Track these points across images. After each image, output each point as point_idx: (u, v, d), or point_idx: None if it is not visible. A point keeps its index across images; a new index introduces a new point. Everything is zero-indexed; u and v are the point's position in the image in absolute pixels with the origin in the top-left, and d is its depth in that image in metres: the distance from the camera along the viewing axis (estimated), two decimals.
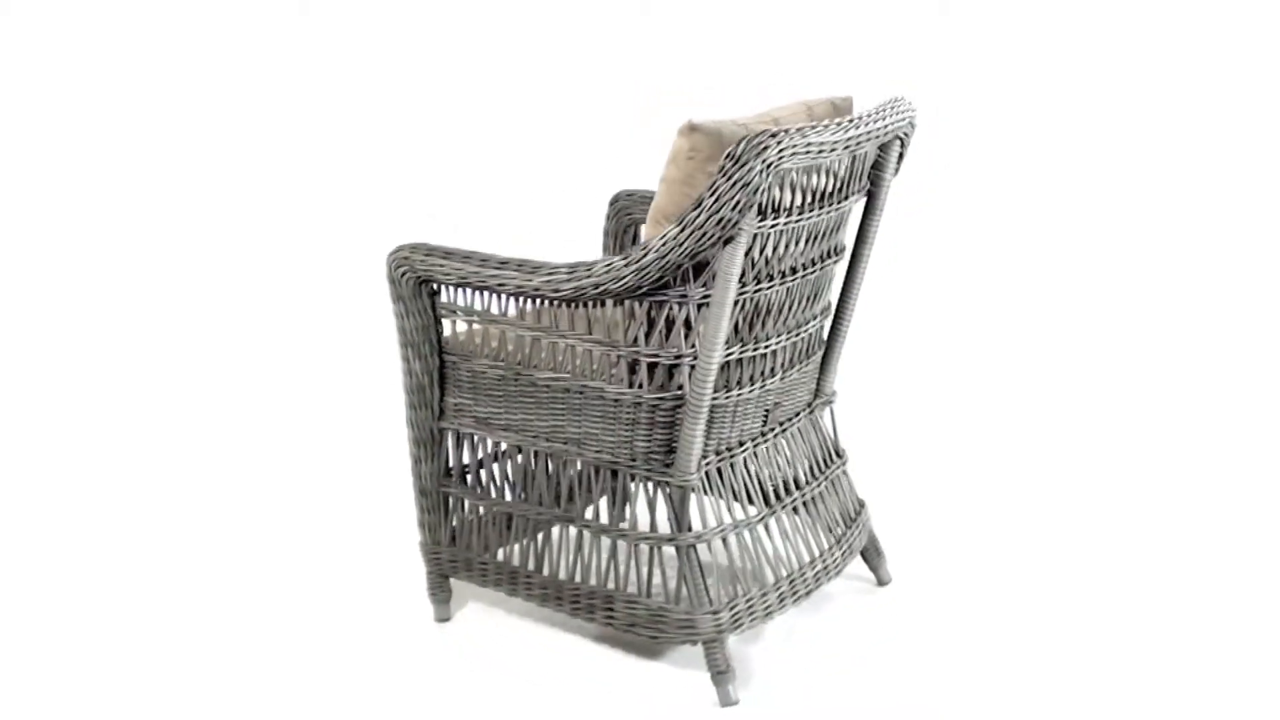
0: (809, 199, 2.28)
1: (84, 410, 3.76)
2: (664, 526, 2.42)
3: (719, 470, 2.37)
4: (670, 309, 2.23)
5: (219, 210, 4.56)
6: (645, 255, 2.19)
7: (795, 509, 2.51)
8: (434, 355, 2.49)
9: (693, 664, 2.42)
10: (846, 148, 2.24)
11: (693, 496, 2.36)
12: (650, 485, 2.33)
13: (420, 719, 2.29)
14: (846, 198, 2.40)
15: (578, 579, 2.42)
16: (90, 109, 4.54)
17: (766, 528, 2.47)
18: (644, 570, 2.36)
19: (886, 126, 2.35)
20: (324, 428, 3.65)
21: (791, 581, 2.44)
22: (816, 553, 2.58)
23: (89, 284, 4.39)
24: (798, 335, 2.43)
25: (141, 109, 4.55)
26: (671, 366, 2.26)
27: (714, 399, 2.29)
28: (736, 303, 2.23)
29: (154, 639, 2.56)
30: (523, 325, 2.37)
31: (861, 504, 2.70)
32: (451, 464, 2.55)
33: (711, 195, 2.11)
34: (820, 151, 2.17)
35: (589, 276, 2.25)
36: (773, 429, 2.48)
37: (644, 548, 2.37)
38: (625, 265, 2.21)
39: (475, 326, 2.48)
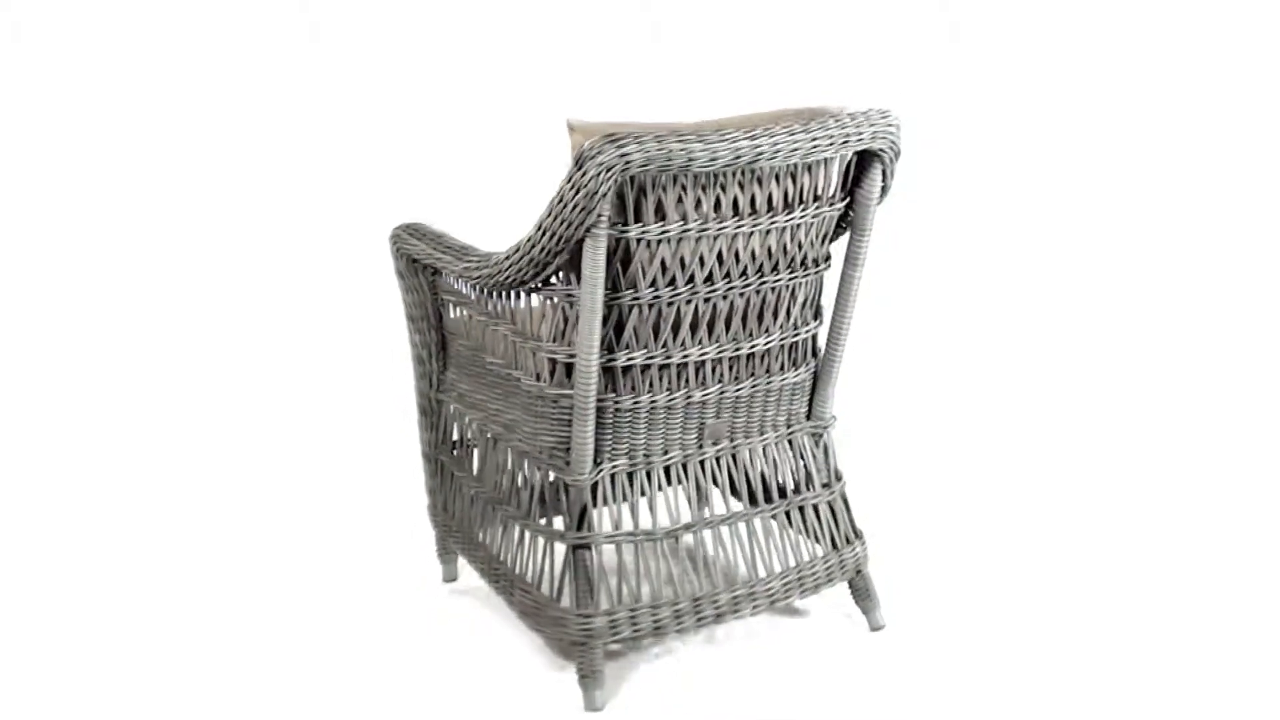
0: (726, 208, 2.19)
1: (93, 397, 3.83)
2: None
3: (630, 476, 2.34)
4: (564, 306, 2.24)
5: (239, 192, 4.46)
6: (514, 253, 2.22)
7: (730, 529, 2.42)
8: (431, 330, 2.64)
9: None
10: (739, 157, 2.13)
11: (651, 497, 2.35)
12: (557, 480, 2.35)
13: (422, 674, 2.42)
14: (793, 211, 2.27)
15: (503, 558, 2.49)
16: (89, 107, 4.45)
17: (676, 543, 2.40)
18: (540, 561, 2.38)
19: (814, 142, 2.19)
20: (357, 392, 3.78)
21: (697, 603, 2.36)
22: (741, 579, 2.45)
23: (91, 279, 4.33)
24: (742, 349, 2.34)
25: (141, 107, 4.45)
26: (568, 364, 2.27)
27: (619, 402, 2.28)
28: (636, 306, 2.21)
29: (167, 612, 2.69)
30: (479, 308, 2.47)
31: (849, 540, 2.52)
32: (444, 435, 2.69)
33: (557, 198, 2.11)
34: (691, 159, 2.09)
35: (487, 269, 2.31)
36: (718, 443, 2.40)
37: (540, 540, 2.39)
38: (504, 261, 2.25)
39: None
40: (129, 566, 2.87)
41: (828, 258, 2.40)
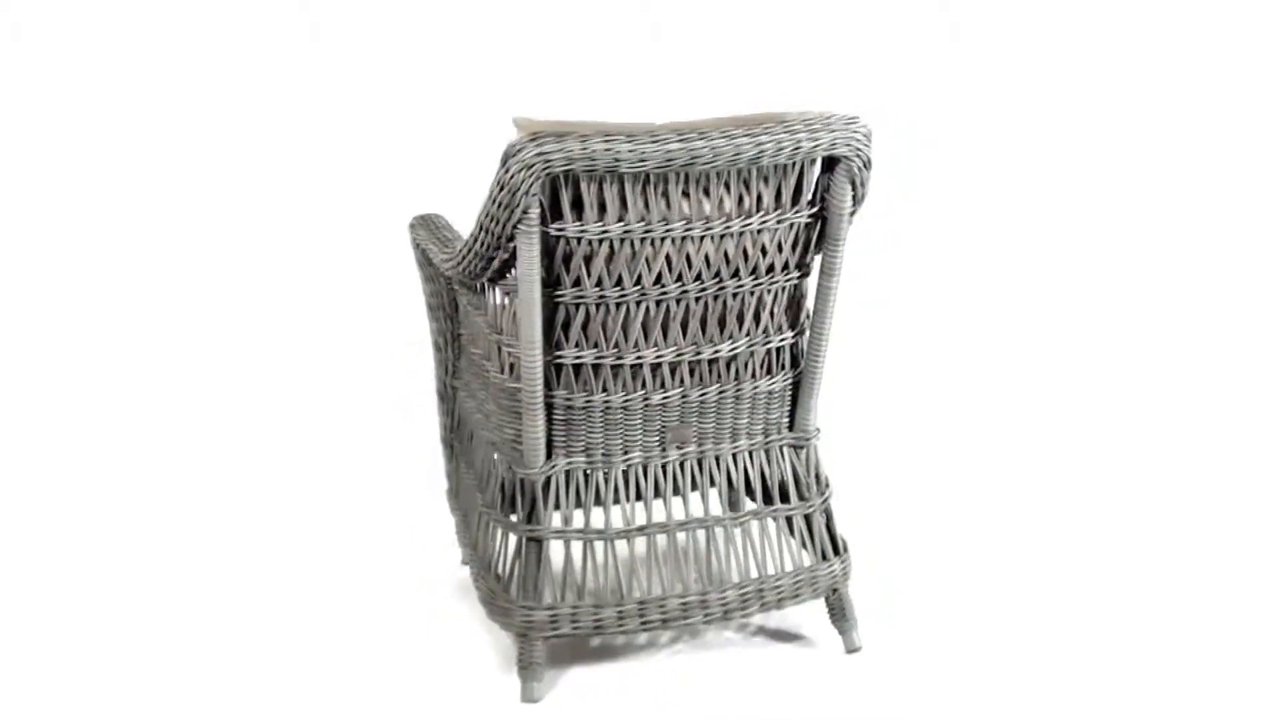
0: (675, 210, 2.18)
1: (95, 396, 3.78)
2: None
3: (588, 473, 2.35)
4: (514, 300, 2.28)
5: (243, 190, 4.39)
6: (465, 248, 2.27)
7: (689, 535, 2.40)
8: (447, 319, 2.71)
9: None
10: (670, 160, 2.11)
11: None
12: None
13: (431, 653, 2.50)
14: (751, 218, 2.23)
15: (477, 545, 2.54)
16: (89, 107, 4.38)
17: (629, 543, 2.39)
18: (498, 550, 2.41)
19: (758, 148, 2.14)
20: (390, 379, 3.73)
21: (643, 607, 2.35)
22: (694, 588, 2.42)
23: (93, 279, 4.26)
24: (703, 354, 2.31)
25: (141, 107, 4.38)
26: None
27: (571, 400, 2.30)
28: (582, 305, 2.22)
29: (183, 601, 2.71)
30: (468, 299, 2.53)
31: (825, 556, 2.45)
32: (457, 421, 2.76)
33: (489, 195, 2.15)
34: (617, 160, 2.09)
35: (449, 262, 2.37)
36: (683, 447, 2.38)
37: (499, 530, 2.41)
38: (458, 255, 2.30)
39: None
40: (141, 556, 2.88)
41: (802, 266, 2.34)
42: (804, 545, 2.46)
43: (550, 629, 2.32)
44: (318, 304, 4.16)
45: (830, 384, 3.35)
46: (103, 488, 3.20)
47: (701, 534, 2.42)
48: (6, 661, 2.46)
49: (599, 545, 2.39)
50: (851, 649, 2.48)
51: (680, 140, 2.12)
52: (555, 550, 2.46)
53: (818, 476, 2.47)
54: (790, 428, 2.45)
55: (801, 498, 2.45)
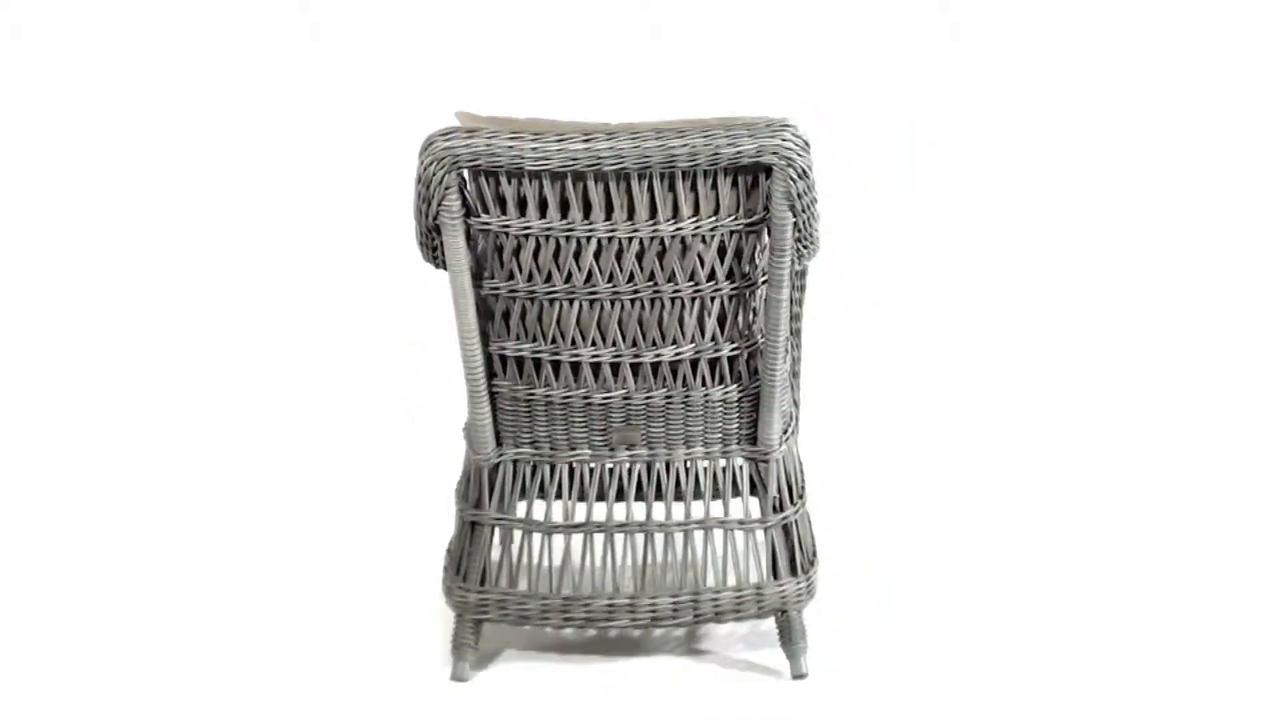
0: (598, 210, 2.19)
1: (97, 395, 3.72)
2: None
3: (534, 465, 2.40)
4: None
5: (242, 191, 4.35)
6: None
7: (627, 538, 2.39)
8: None
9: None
10: (573, 161, 2.12)
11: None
12: None
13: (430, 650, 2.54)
14: (681, 221, 2.19)
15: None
16: (89, 107, 4.37)
17: (567, 540, 2.41)
18: (456, 532, 2.46)
19: (669, 153, 2.11)
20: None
21: (567, 603, 2.37)
22: (626, 590, 2.39)
23: (92, 278, 4.18)
24: (644, 357, 2.30)
25: (141, 107, 4.38)
26: None
27: (515, 391, 2.35)
28: (514, 299, 2.28)
29: (196, 587, 2.75)
30: None
31: (776, 574, 2.38)
32: None
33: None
34: (520, 158, 2.12)
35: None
36: (631, 448, 2.37)
37: (454, 510, 2.46)
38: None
39: None
40: (140, 554, 2.88)
41: (747, 275, 2.28)
42: (754, 562, 2.40)
43: (479, 612, 2.38)
44: (318, 304, 4.13)
45: (830, 385, 3.26)
46: (103, 488, 3.17)
47: (641, 538, 2.40)
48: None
49: (536, 537, 2.42)
50: (797, 675, 2.39)
51: (585, 142, 2.12)
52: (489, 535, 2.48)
53: (785, 491, 2.39)
54: (753, 441, 2.38)
55: (759, 515, 2.38)
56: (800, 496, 2.43)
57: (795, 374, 2.83)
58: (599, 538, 2.43)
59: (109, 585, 2.73)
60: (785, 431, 2.42)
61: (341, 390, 3.65)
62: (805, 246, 2.27)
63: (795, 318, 2.78)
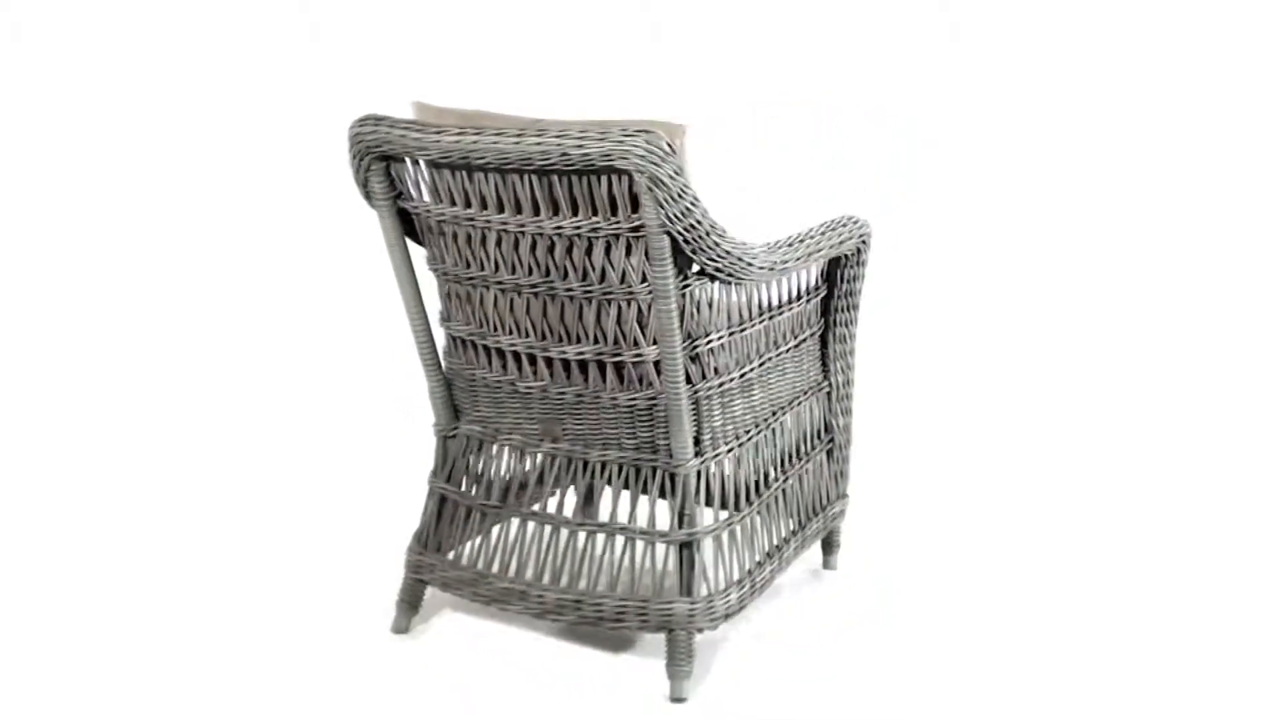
0: (490, 202, 2.27)
1: (97, 395, 3.78)
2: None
3: (481, 443, 2.52)
4: None
5: (241, 191, 4.33)
6: None
7: (536, 526, 2.43)
8: None
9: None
10: (447, 154, 2.21)
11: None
12: None
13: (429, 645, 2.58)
14: (561, 220, 2.21)
15: None
16: (89, 107, 4.37)
17: (489, 518, 2.48)
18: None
19: (523, 152, 2.14)
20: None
21: (476, 579, 2.46)
22: (527, 577, 2.42)
23: (91, 278, 4.25)
24: (550, 352, 2.34)
25: (141, 107, 4.36)
26: None
27: (464, 370, 2.49)
28: (447, 280, 2.42)
29: (196, 590, 2.76)
30: None
31: (673, 591, 2.32)
32: None
33: None
34: (407, 147, 2.25)
35: None
36: (555, 441, 2.42)
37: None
38: None
39: None
40: (139, 554, 2.91)
41: (645, 281, 2.23)
42: (649, 574, 2.36)
43: (416, 572, 2.54)
44: (318, 303, 4.19)
45: None
46: (103, 488, 3.23)
47: (548, 529, 2.43)
48: None
49: (473, 513, 2.50)
50: (675, 698, 2.32)
51: (455, 135, 2.20)
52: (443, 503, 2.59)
53: (699, 509, 2.33)
54: (670, 453, 2.34)
55: (675, 526, 2.33)
56: (730, 513, 2.35)
57: (842, 398, 2.70)
58: (514, 522, 2.49)
59: (107, 585, 2.76)
60: (721, 449, 2.34)
61: (341, 389, 3.83)
62: (717, 262, 2.19)
63: (841, 339, 2.65)
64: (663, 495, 2.35)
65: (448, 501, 2.54)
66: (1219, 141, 4.38)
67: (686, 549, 2.32)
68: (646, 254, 2.19)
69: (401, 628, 2.56)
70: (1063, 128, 4.44)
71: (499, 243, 2.29)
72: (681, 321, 2.23)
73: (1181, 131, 4.40)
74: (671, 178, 2.09)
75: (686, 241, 2.15)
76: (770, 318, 2.46)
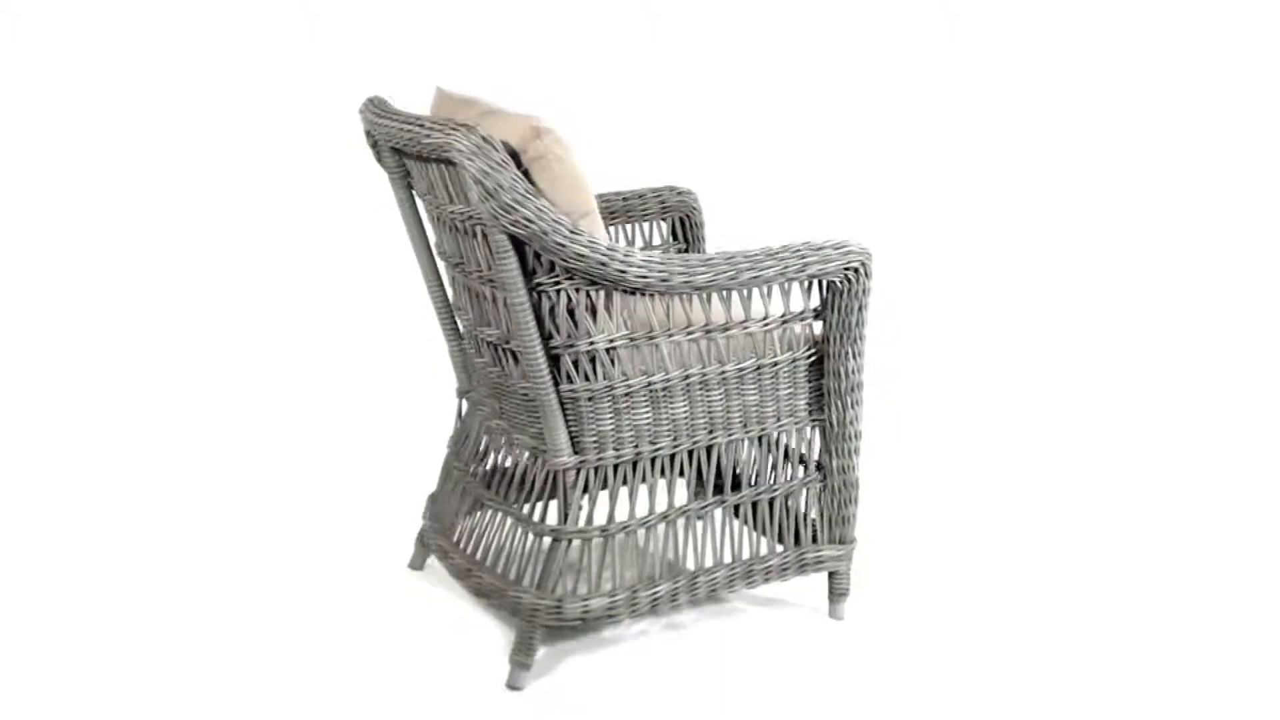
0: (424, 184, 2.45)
1: (96, 396, 3.71)
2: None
3: (477, 412, 2.70)
4: None
5: (241, 191, 4.37)
6: None
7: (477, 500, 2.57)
8: None
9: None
10: (370, 132, 2.42)
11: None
12: None
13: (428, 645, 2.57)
14: (454, 205, 2.34)
15: None
16: (89, 107, 4.38)
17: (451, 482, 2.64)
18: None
19: (390, 134, 2.30)
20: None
21: (437, 531, 2.65)
22: (460, 544, 2.54)
23: (91, 278, 4.22)
24: (479, 333, 2.47)
25: (140, 107, 4.38)
26: None
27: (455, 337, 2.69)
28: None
29: (200, 584, 2.77)
30: None
31: (526, 587, 2.37)
32: None
33: None
34: (370, 128, 2.47)
35: None
36: (505, 425, 2.53)
37: None
38: None
39: None
40: (139, 553, 2.89)
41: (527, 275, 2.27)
42: (525, 573, 2.42)
43: (423, 536, 2.78)
44: (319, 303, 4.21)
45: None
46: (103, 489, 3.20)
47: (483, 501, 2.55)
48: None
49: (449, 468, 2.67)
50: (509, 685, 2.37)
51: (373, 113, 2.41)
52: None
53: (571, 506, 2.35)
54: (558, 449, 2.37)
55: (545, 529, 2.38)
56: (581, 519, 2.34)
57: (840, 438, 2.49)
58: (463, 487, 2.63)
59: (107, 586, 2.75)
60: (611, 453, 2.32)
61: (341, 389, 3.81)
62: (569, 263, 2.19)
63: (837, 375, 2.46)
64: (551, 488, 2.39)
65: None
66: (1217, 138, 4.39)
67: (554, 544, 2.34)
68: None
69: (418, 564, 2.81)
70: (1062, 127, 4.46)
71: (451, 229, 2.43)
72: (546, 318, 2.24)
73: (1180, 130, 4.41)
74: (486, 173, 2.13)
75: (523, 237, 2.18)
76: (708, 333, 2.36)
